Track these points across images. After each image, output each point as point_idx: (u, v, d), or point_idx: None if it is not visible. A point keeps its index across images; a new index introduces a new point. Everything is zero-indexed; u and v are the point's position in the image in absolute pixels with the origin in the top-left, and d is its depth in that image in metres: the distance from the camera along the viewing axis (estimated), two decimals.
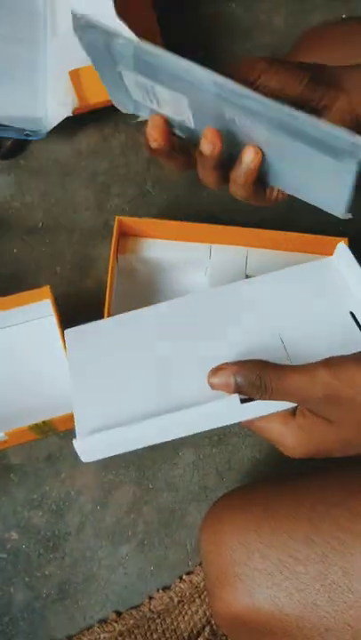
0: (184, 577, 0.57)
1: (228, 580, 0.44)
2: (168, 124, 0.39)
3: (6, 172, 0.66)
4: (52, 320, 0.58)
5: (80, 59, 0.64)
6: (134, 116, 0.44)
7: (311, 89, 0.37)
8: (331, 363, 0.35)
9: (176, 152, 0.41)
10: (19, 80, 0.65)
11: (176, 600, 0.55)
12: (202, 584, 0.56)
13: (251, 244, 0.61)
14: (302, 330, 0.41)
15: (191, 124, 0.38)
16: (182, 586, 0.56)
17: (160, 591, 0.56)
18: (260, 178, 0.40)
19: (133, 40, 0.34)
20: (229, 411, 0.38)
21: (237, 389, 0.37)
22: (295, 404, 0.38)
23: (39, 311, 0.58)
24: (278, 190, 0.42)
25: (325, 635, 0.41)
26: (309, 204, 0.40)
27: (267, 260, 0.61)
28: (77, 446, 0.39)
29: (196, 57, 0.33)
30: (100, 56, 0.37)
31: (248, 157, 0.37)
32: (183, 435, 0.39)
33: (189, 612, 0.55)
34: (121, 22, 0.34)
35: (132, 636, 0.55)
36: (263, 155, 0.37)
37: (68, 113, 0.64)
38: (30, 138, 0.64)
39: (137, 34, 0.33)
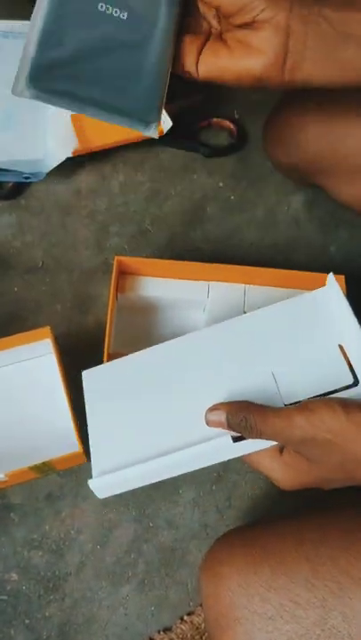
0: (185, 617, 0.56)
1: (228, 624, 0.43)
2: None
3: (7, 212, 0.67)
4: (52, 359, 0.58)
5: None
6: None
7: None
8: (305, 408, 0.38)
9: None
10: (20, 124, 0.66)
11: None
12: (203, 625, 0.55)
13: (248, 282, 0.62)
14: (293, 364, 0.44)
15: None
16: (183, 627, 0.55)
17: (161, 632, 0.56)
18: None
19: None
20: (224, 448, 0.41)
21: (229, 427, 0.40)
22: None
23: (39, 350, 0.59)
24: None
25: None
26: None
27: (265, 296, 0.62)
28: (93, 485, 0.43)
29: None
30: None
31: None
32: (186, 471, 0.43)
33: None
34: None
35: None
36: None
37: (67, 154, 0.65)
38: (29, 180, 0.66)
39: None
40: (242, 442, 0.41)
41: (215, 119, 0.71)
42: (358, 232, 0.68)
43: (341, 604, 0.40)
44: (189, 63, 0.42)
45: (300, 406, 0.38)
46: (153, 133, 0.43)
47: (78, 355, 0.62)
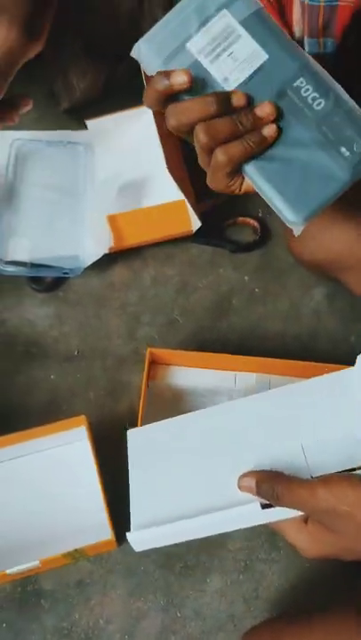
0: None
1: None
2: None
3: (47, 304, 0.72)
4: (86, 445, 0.61)
5: (115, 204, 0.72)
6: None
7: None
8: (328, 481, 0.41)
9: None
10: (61, 224, 0.72)
11: None
12: None
13: (272, 372, 0.65)
14: (322, 439, 0.46)
15: (235, 82, 0.43)
16: None
17: None
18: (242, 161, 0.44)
19: (258, 4, 0.43)
20: (253, 513, 0.44)
21: (259, 494, 0.43)
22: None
23: (74, 436, 0.62)
24: (241, 182, 0.47)
25: None
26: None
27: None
28: (131, 537, 0.47)
29: None
30: (199, 2, 0.43)
31: (266, 109, 0.43)
32: (217, 532, 0.46)
33: None
34: None
35: None
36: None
37: (103, 252, 0.71)
38: (68, 276, 0.71)
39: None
40: (270, 509, 0.43)
41: (240, 218, 0.77)
42: None
43: None
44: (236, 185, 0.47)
45: (324, 479, 0.41)
46: (297, 230, 0.46)
47: (111, 441, 0.65)
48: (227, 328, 0.71)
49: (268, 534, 0.62)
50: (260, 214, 0.78)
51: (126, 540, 0.61)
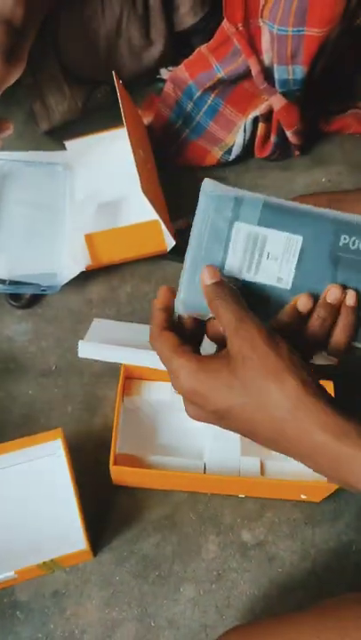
0: None
1: None
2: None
3: (25, 320, 0.74)
4: (62, 458, 0.62)
5: (92, 223, 0.74)
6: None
7: None
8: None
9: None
10: (40, 242, 0.74)
11: None
12: None
13: None
14: None
15: (289, 276, 0.42)
16: None
17: None
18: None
19: (261, 197, 0.41)
20: None
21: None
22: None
23: (50, 449, 0.63)
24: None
25: None
26: None
27: None
28: (80, 344, 0.60)
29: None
30: (208, 222, 0.41)
31: (334, 294, 0.42)
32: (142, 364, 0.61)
33: None
34: (247, 191, 0.41)
35: None
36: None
37: (81, 269, 0.72)
38: (46, 292, 0.73)
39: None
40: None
41: None
42: None
43: None
44: None
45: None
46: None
47: (86, 453, 0.67)
48: None
49: (240, 544, 0.64)
50: None
51: (101, 551, 0.63)
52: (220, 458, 0.63)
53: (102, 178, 0.80)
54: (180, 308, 0.44)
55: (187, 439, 0.65)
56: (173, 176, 0.84)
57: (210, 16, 0.84)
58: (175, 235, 0.74)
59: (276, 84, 0.78)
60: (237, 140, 0.83)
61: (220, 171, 0.86)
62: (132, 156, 0.70)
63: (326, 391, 0.40)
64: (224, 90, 0.81)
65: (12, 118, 0.88)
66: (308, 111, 0.83)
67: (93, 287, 0.76)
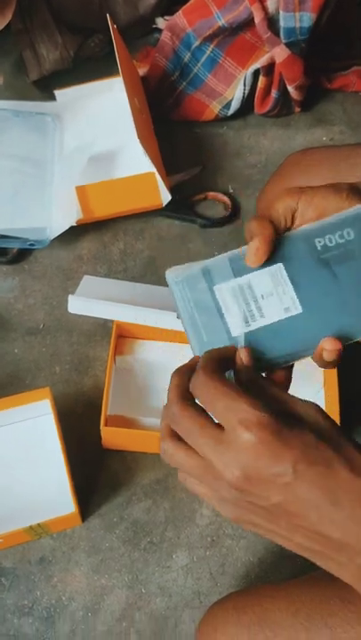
0: None
1: None
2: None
3: (11, 275, 0.70)
4: (50, 419, 0.59)
5: (83, 175, 0.70)
6: None
7: (354, 201, 0.39)
8: None
9: None
10: (27, 195, 0.70)
11: None
12: None
13: None
14: None
15: (297, 307, 0.40)
16: None
17: None
18: None
19: (224, 256, 0.39)
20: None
21: None
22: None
23: (38, 410, 0.60)
24: None
25: None
26: None
27: None
28: (71, 298, 0.59)
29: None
30: (191, 303, 0.40)
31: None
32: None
33: None
34: (207, 260, 0.40)
35: None
36: None
37: (71, 224, 0.69)
38: (34, 247, 0.69)
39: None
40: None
41: (211, 193, 0.76)
42: None
43: None
44: None
45: None
46: None
47: (75, 416, 0.63)
48: None
49: None
50: (230, 190, 0.77)
51: (90, 517, 0.60)
52: None
53: (94, 129, 0.75)
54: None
55: None
56: (169, 131, 0.80)
57: None
58: (171, 190, 0.70)
59: (281, 34, 0.74)
60: (236, 93, 0.79)
61: (218, 126, 0.82)
62: (127, 104, 0.66)
63: None
64: (224, 40, 0.77)
65: (1, 72, 0.83)
66: (311, 66, 0.79)
67: (84, 243, 0.73)
